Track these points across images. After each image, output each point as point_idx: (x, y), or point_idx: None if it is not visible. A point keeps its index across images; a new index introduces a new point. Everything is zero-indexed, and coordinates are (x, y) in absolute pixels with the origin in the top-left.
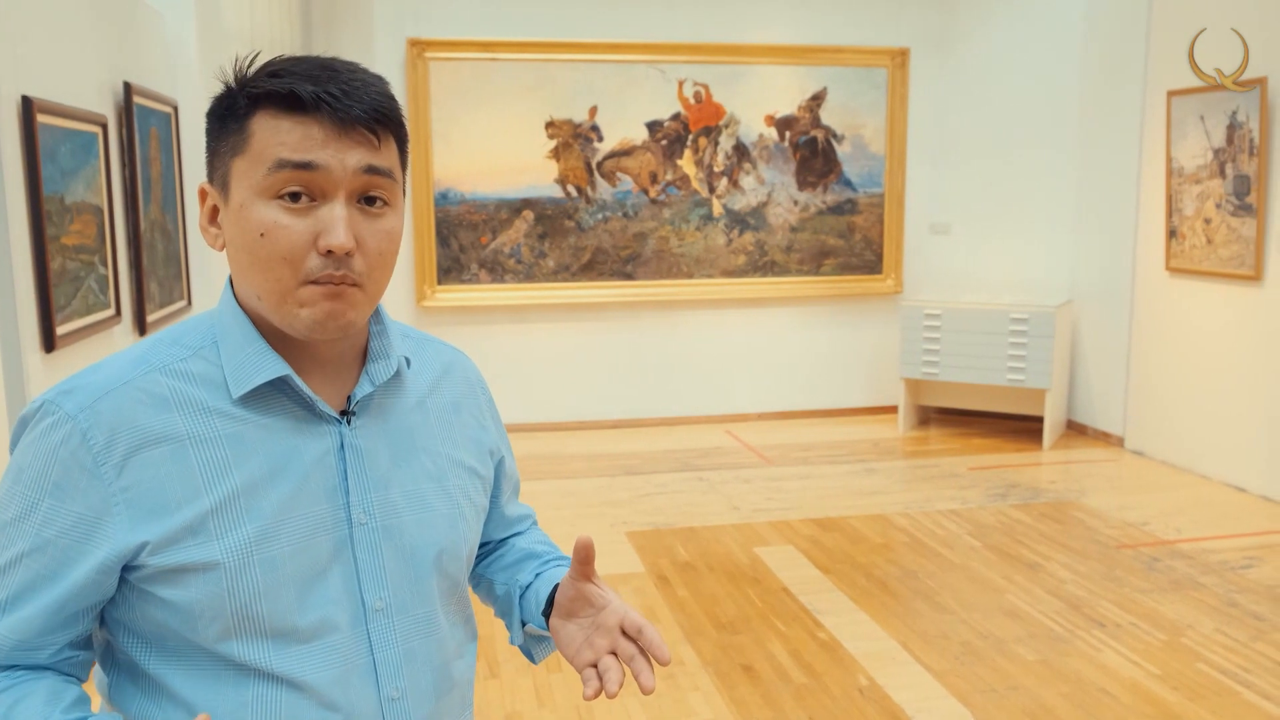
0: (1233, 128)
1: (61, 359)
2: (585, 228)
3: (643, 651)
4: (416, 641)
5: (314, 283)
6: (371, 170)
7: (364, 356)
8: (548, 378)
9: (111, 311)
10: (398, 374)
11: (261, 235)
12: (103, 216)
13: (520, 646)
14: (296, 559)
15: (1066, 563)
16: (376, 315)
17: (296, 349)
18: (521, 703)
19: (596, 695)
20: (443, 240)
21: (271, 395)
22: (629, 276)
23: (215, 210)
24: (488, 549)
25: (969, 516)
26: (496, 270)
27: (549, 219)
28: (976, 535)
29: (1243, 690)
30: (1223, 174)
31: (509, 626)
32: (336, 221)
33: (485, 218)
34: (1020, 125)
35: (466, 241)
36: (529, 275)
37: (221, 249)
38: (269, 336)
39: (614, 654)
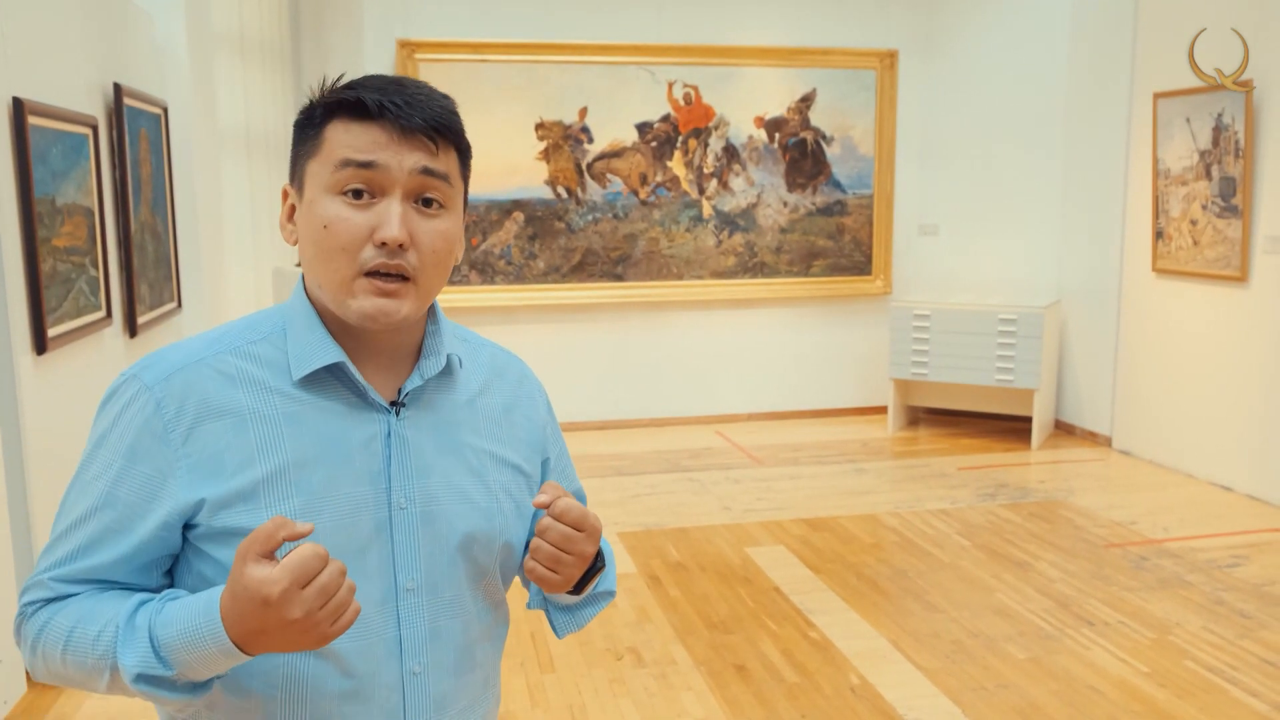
0: (1219, 130)
1: (52, 361)
2: (575, 229)
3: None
4: (443, 621)
5: (369, 275)
6: (428, 172)
7: (419, 352)
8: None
9: (102, 314)
10: (448, 371)
11: (325, 227)
12: (93, 218)
13: (548, 616)
14: (337, 535)
15: (1055, 562)
16: (433, 314)
17: (355, 340)
18: (514, 702)
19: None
20: None
21: (328, 381)
22: (619, 278)
23: (293, 209)
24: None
25: (958, 516)
26: (487, 271)
27: (539, 220)
28: (966, 534)
29: (1230, 687)
30: (1209, 176)
31: (530, 590)
32: (392, 216)
33: (475, 219)
34: (1008, 126)
35: None
36: (519, 276)
37: (295, 244)
38: (331, 327)
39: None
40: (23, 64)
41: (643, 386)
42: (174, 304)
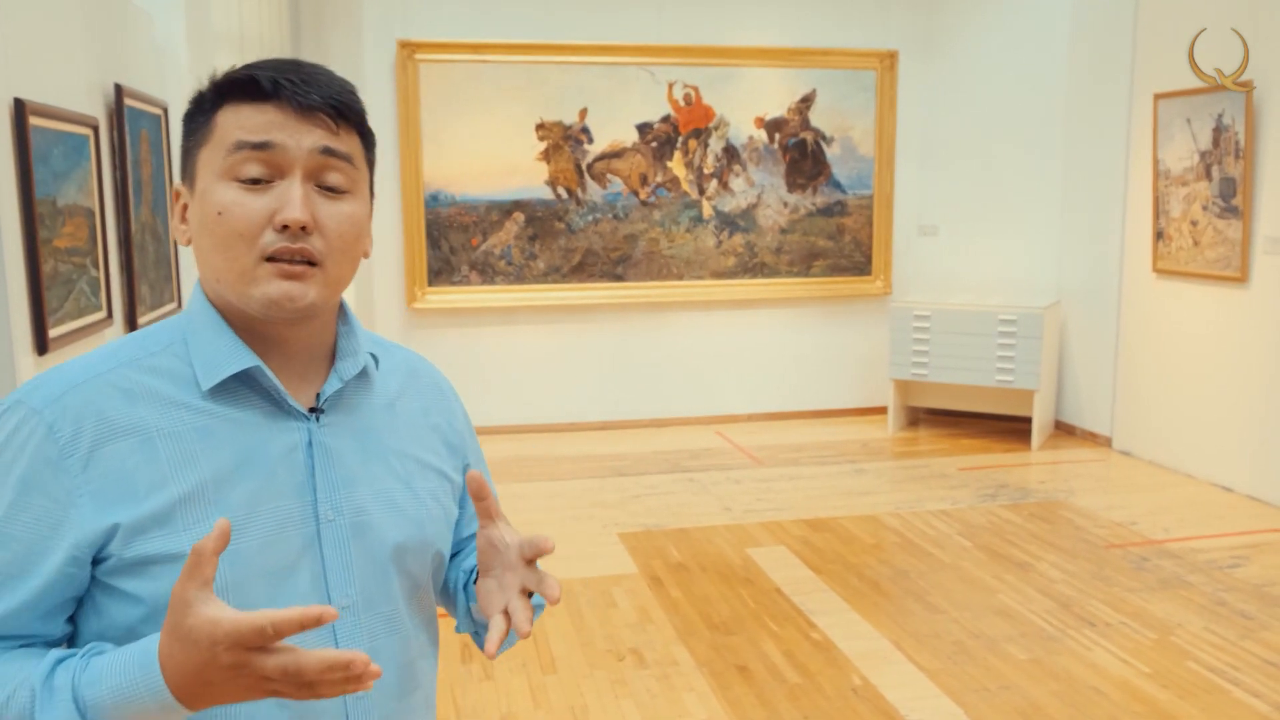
0: (1219, 130)
1: (54, 361)
2: (575, 229)
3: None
4: (381, 639)
5: (271, 260)
6: (329, 152)
7: (333, 356)
8: (538, 379)
9: (103, 314)
10: (366, 374)
11: (219, 214)
12: (94, 219)
13: (472, 635)
14: (264, 554)
15: (1056, 562)
16: (344, 315)
17: (266, 344)
18: (516, 704)
19: (501, 640)
20: (433, 242)
21: (240, 389)
22: (619, 278)
23: (185, 209)
24: (453, 553)
25: (959, 517)
26: (487, 272)
27: (539, 221)
28: (967, 535)
29: (1232, 688)
30: (1209, 176)
31: (455, 614)
32: (293, 197)
33: (475, 219)
34: (1008, 127)
35: (457, 243)
36: (519, 277)
37: (189, 243)
38: (239, 330)
39: (525, 593)
40: (24, 65)
41: (643, 387)
42: (174, 304)
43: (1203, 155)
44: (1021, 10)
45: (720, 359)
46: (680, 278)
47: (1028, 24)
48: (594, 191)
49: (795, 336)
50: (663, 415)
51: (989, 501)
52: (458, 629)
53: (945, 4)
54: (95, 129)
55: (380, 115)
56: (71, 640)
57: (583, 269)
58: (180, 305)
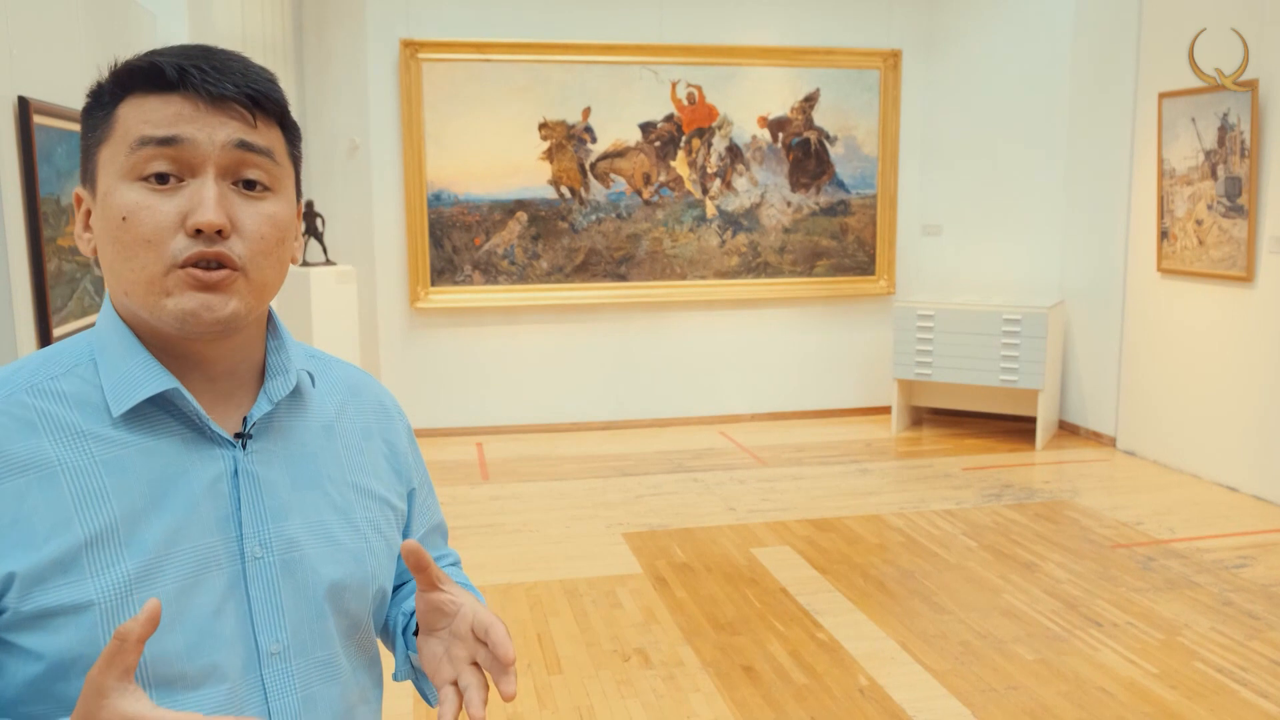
0: (1224, 130)
1: None
2: (579, 229)
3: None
4: (317, 687)
5: (183, 268)
6: (245, 146)
7: (263, 375)
8: (541, 379)
9: None
10: (299, 394)
11: (123, 219)
12: None
13: (413, 683)
14: (183, 598)
15: (1062, 562)
16: (274, 328)
17: (185, 363)
18: (522, 704)
19: (455, 716)
20: (436, 242)
21: (156, 415)
22: (622, 278)
23: (89, 214)
24: (397, 589)
25: (964, 517)
26: (490, 271)
27: (542, 220)
28: (972, 535)
29: (1240, 689)
30: (1214, 175)
31: (394, 656)
32: (206, 198)
33: (479, 219)
34: (1012, 126)
35: (460, 243)
36: (522, 276)
37: (94, 254)
38: (154, 349)
39: (475, 665)
40: (27, 63)
41: (646, 387)
42: None
43: (1208, 154)
44: (1025, 9)
45: (723, 359)
46: (683, 277)
47: (1031, 23)
48: (597, 191)
49: (799, 336)
50: (666, 415)
51: (993, 501)
52: (396, 676)
53: (949, 3)
54: None
55: (383, 115)
56: None
57: (586, 269)
58: None
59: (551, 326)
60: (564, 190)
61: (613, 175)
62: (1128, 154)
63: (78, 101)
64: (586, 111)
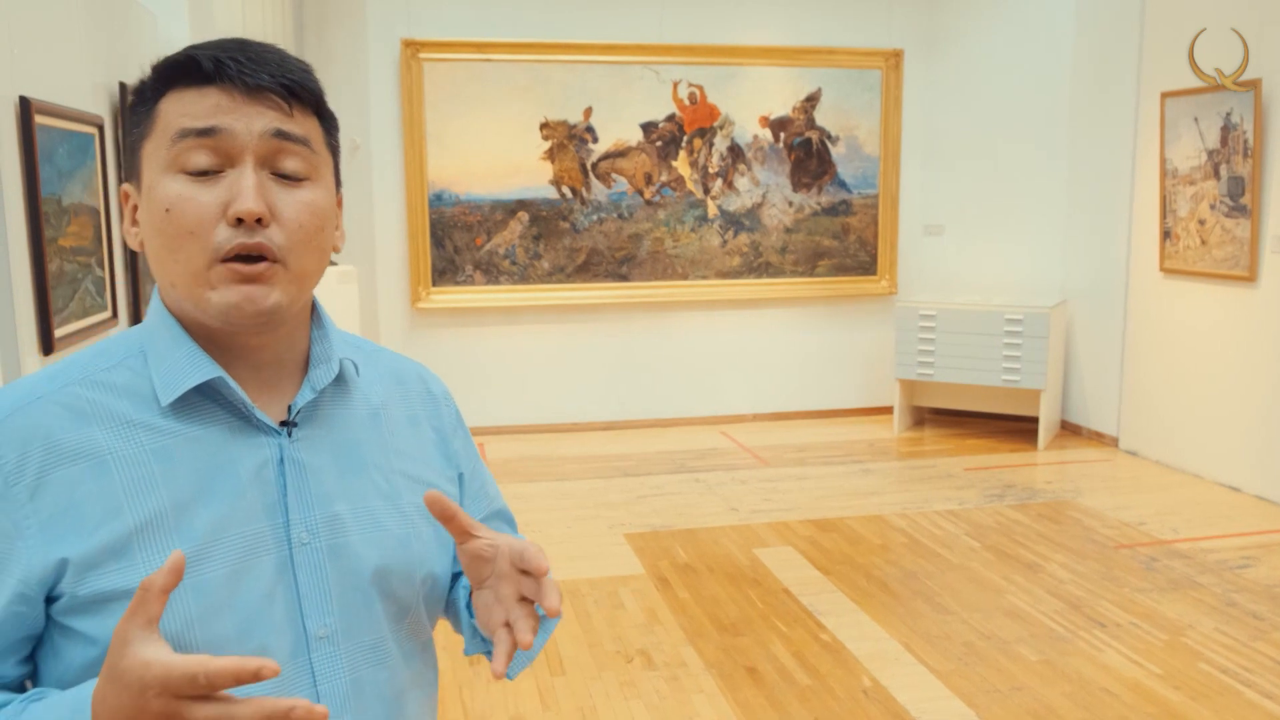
0: (1227, 129)
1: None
2: (580, 229)
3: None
4: (365, 671)
5: (226, 261)
6: (282, 135)
7: (307, 364)
8: (542, 379)
9: (108, 314)
10: (343, 381)
11: (167, 211)
12: (99, 218)
13: (486, 656)
14: (232, 583)
15: (1065, 563)
16: (317, 318)
17: (231, 355)
18: (525, 705)
19: (509, 657)
20: (437, 242)
21: (203, 404)
22: (624, 278)
23: (135, 209)
24: (459, 575)
25: (966, 517)
26: (491, 272)
27: (544, 220)
28: (975, 536)
29: (1244, 690)
30: (1217, 175)
31: (463, 634)
32: (245, 186)
33: (480, 219)
34: (1014, 126)
35: (461, 243)
36: (524, 277)
37: (141, 248)
38: (201, 340)
39: (524, 600)
40: (29, 63)
41: (647, 387)
42: None
43: (1210, 154)
44: (1026, 9)
45: (725, 359)
46: (685, 277)
47: (1033, 22)
48: (598, 191)
49: (800, 336)
50: (667, 415)
51: (996, 502)
52: (466, 651)
53: (950, 3)
54: (100, 127)
55: (384, 114)
56: (35, 680)
57: (587, 269)
58: None
59: (553, 327)
60: (565, 190)
61: (614, 175)
62: (1130, 154)
63: (79, 101)
64: (588, 111)
